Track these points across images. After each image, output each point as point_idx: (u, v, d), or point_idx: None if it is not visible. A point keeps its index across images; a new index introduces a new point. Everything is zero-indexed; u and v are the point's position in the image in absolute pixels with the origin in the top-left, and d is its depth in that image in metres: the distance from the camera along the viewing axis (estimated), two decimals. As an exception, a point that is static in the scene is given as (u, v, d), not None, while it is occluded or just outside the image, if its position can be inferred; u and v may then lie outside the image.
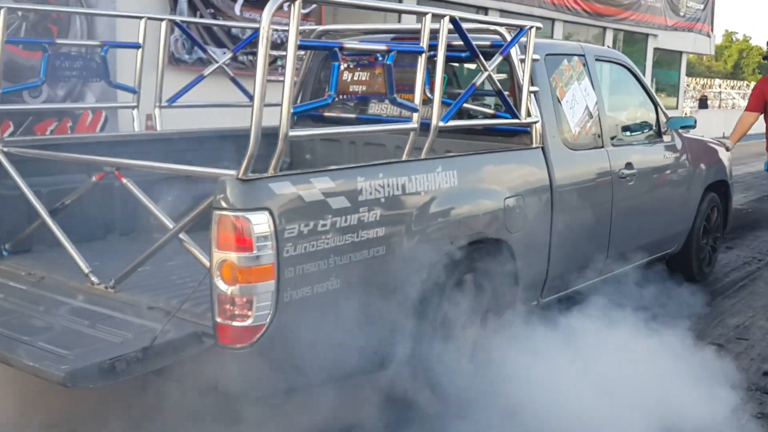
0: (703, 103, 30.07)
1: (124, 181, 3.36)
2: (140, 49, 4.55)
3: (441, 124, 3.60)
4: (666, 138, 5.67)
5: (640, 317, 4.61)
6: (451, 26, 3.53)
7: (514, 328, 3.89)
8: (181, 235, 3.12)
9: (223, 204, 2.81)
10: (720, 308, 5.77)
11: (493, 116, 4.40)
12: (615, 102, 5.38)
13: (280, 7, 2.82)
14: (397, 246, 3.35)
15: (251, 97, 3.09)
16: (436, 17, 3.45)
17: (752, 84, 44.50)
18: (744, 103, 37.94)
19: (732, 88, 40.38)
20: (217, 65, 4.90)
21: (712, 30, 25.26)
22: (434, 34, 3.46)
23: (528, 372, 3.49)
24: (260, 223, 2.81)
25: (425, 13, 3.41)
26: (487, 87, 4.19)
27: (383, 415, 3.37)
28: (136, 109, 4.64)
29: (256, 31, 3.01)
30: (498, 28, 4.21)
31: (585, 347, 3.76)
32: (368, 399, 3.30)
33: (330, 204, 3.05)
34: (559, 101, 4.58)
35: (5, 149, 3.76)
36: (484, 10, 15.47)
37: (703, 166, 6.11)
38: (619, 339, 3.87)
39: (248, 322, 2.82)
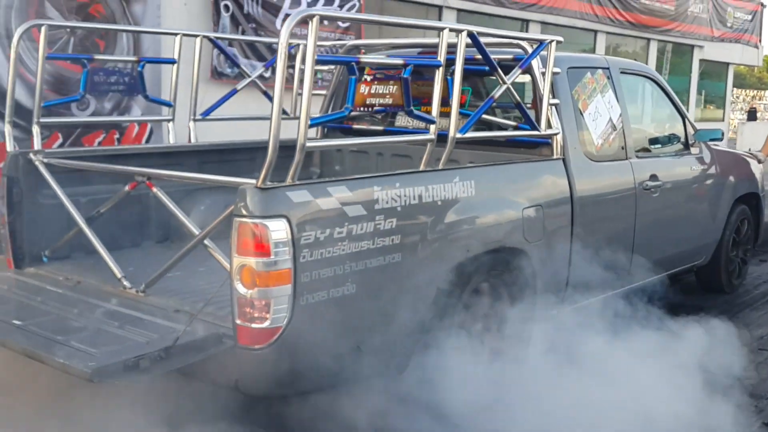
0: (752, 114, 29.57)
1: (155, 190, 3.54)
2: (175, 65, 4.75)
3: (458, 135, 3.71)
4: (694, 150, 5.69)
5: (658, 326, 4.68)
6: (469, 40, 3.65)
7: (531, 336, 3.97)
8: (206, 241, 3.28)
9: (243, 211, 2.96)
10: (746, 319, 5.76)
11: (515, 128, 4.49)
12: (641, 114, 5.42)
13: (304, 22, 2.94)
14: (414, 253, 3.47)
15: (284, 110, 3.22)
16: (454, 31, 3.57)
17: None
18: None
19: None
20: (249, 79, 5.08)
21: (760, 41, 24.87)
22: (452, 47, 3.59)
23: (539, 378, 3.56)
24: (278, 229, 2.96)
25: (443, 28, 3.53)
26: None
27: (399, 419, 3.47)
28: (171, 122, 4.84)
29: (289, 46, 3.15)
30: (520, 41, 4.32)
31: (593, 355, 3.81)
32: (383, 402, 3.40)
33: (346, 212, 3.18)
34: (582, 113, 4.65)
35: (45, 161, 3.97)
36: (526, 22, 15.53)
37: (732, 178, 6.10)
38: (631, 347, 3.92)
39: (266, 324, 2.97)
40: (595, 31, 17.48)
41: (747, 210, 6.44)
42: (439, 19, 13.32)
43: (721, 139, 5.75)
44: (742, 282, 6.64)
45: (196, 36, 4.79)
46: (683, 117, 5.66)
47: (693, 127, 5.70)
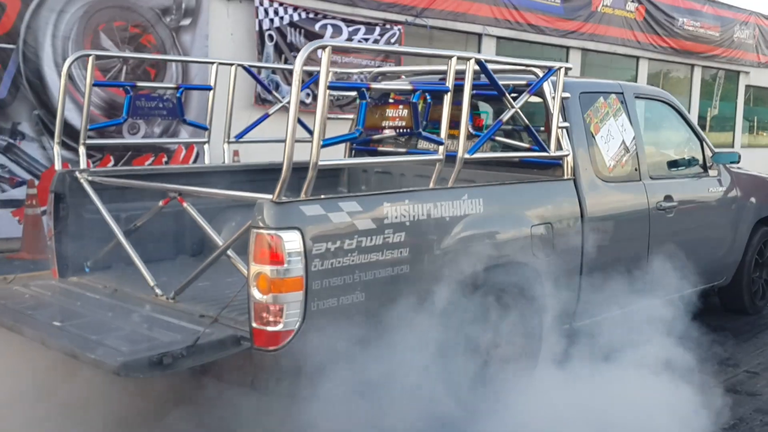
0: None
1: (185, 204, 3.86)
2: (212, 91, 5.10)
3: (466, 156, 3.96)
4: (712, 172, 5.83)
5: (672, 344, 4.81)
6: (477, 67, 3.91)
7: (537, 349, 4.16)
8: (229, 252, 3.58)
9: (260, 223, 3.25)
10: (767, 339, 5.84)
11: (528, 149, 4.72)
12: (657, 137, 5.60)
13: (322, 49, 3.23)
14: (422, 265, 3.71)
15: (311, 132, 3.50)
16: (462, 59, 3.84)
17: None
18: None
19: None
20: (280, 105, 5.40)
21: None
22: (476, 74, 3.86)
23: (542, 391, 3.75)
24: (291, 240, 3.24)
25: (451, 56, 3.80)
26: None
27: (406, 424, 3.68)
28: (207, 144, 5.18)
29: (316, 74, 3.42)
30: (533, 68, 4.55)
31: (599, 372, 3.98)
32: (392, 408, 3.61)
33: (357, 225, 3.45)
34: (593, 136, 4.86)
35: (89, 178, 4.33)
36: (566, 49, 15.72)
37: (754, 200, 6.21)
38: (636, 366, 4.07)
39: (279, 327, 3.24)
40: (638, 57, 17.56)
41: (770, 232, 6.53)
42: (479, 47, 13.61)
43: (737, 162, 5.88)
44: (767, 304, 6.70)
45: (231, 65, 5.13)
46: (701, 140, 5.82)
47: (711, 149, 5.84)
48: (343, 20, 11.00)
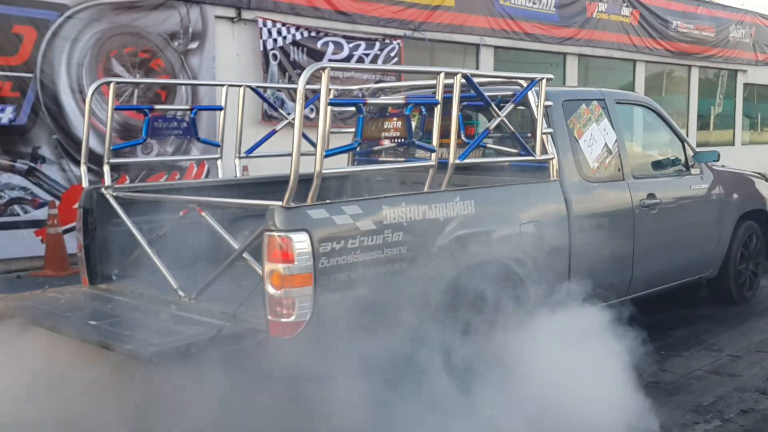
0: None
1: (203, 214, 4.26)
2: (222, 111, 5.52)
3: (457, 161, 4.35)
4: (694, 171, 6.20)
5: (659, 333, 5.17)
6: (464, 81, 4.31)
7: (528, 338, 4.52)
8: (245, 255, 3.98)
9: (272, 227, 3.65)
10: (751, 326, 6.19)
11: (517, 155, 5.10)
12: (639, 140, 5.98)
13: (322, 70, 3.63)
14: (419, 262, 4.10)
15: (314, 145, 3.89)
16: (449, 75, 4.23)
17: None
18: None
19: None
20: (286, 122, 5.80)
21: (807, 63, 24.89)
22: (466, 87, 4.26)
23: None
24: (300, 241, 3.63)
25: (439, 72, 4.19)
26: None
27: (403, 407, 4.05)
28: (220, 159, 5.59)
29: (319, 92, 3.79)
30: (518, 80, 4.95)
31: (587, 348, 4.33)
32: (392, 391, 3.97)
33: (358, 227, 3.84)
34: (577, 140, 5.24)
35: (114, 194, 4.74)
36: (563, 55, 16.11)
37: (736, 196, 6.58)
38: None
39: (292, 318, 3.63)
40: (634, 61, 17.94)
41: (755, 226, 6.89)
42: (477, 57, 14.04)
43: (717, 160, 6.25)
44: (755, 294, 7.04)
45: (240, 86, 5.54)
46: (682, 141, 6.20)
47: (692, 149, 6.22)
48: (344, 37, 11.43)
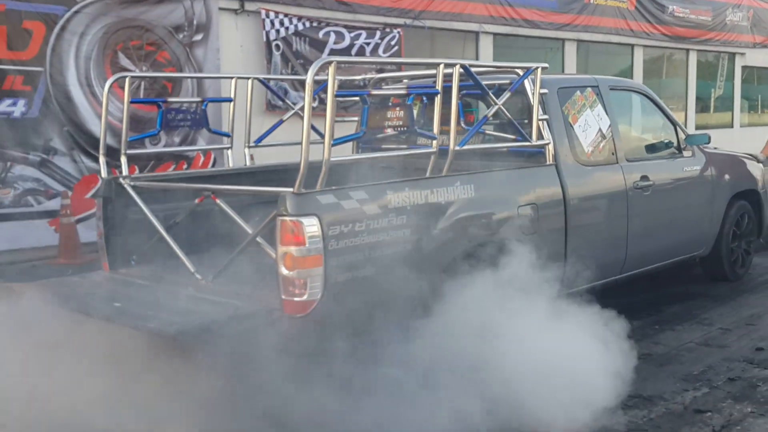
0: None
1: (218, 201, 4.50)
2: (232, 102, 5.75)
3: (457, 148, 4.59)
4: (686, 153, 6.44)
5: (653, 309, 5.41)
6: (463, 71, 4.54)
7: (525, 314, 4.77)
8: (258, 239, 4.22)
9: (284, 212, 3.89)
10: (743, 301, 6.44)
11: (514, 141, 5.33)
12: (633, 124, 6.21)
13: (325, 66, 3.86)
14: (422, 243, 4.35)
15: (321, 135, 4.13)
16: (449, 65, 4.47)
17: None
18: None
19: None
20: (293, 111, 6.04)
21: (805, 44, 25.04)
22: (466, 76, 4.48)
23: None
24: (311, 225, 3.88)
25: (438, 63, 4.43)
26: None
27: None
28: (230, 149, 5.83)
29: (324, 83, 4.02)
30: (515, 69, 5.18)
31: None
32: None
33: (365, 211, 4.09)
34: (572, 126, 5.47)
35: (132, 183, 4.98)
36: (561, 41, 16.30)
37: (728, 176, 6.82)
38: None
39: (305, 297, 3.88)
40: (632, 45, 18.11)
41: (747, 205, 7.13)
42: (476, 45, 14.24)
43: (708, 143, 6.49)
44: (747, 271, 7.29)
45: (248, 78, 5.78)
46: (674, 125, 6.43)
47: (684, 133, 6.45)
48: (345, 27, 11.64)
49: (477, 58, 14.31)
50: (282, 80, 10.80)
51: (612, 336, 4.50)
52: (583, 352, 4.33)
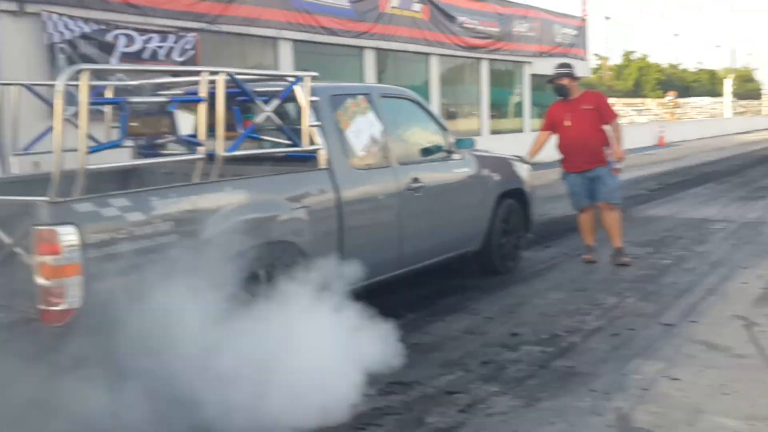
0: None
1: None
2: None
3: (225, 153, 4.69)
4: (456, 156, 6.91)
5: (432, 301, 5.75)
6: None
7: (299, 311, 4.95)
8: (15, 249, 4.11)
9: (39, 221, 3.83)
10: (510, 292, 7.00)
11: (290, 146, 5.51)
12: (404, 130, 6.58)
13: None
14: (192, 247, 4.40)
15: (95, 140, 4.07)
16: (214, 73, 4.57)
17: (648, 101, 47.48)
18: (640, 119, 40.16)
19: (629, 105, 42.90)
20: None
21: (585, 54, 27.31)
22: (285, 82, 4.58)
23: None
24: (67, 233, 3.84)
25: (201, 71, 4.52)
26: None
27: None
28: (-5, 157, 5.61)
29: (98, 87, 3.97)
30: (286, 77, 5.36)
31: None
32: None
33: (126, 217, 4.10)
34: (344, 132, 5.73)
35: None
36: (360, 49, 16.79)
37: (495, 177, 7.38)
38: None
39: (63, 306, 3.84)
40: (428, 54, 18.99)
41: (515, 203, 7.73)
42: (275, 51, 14.39)
43: (473, 147, 7.01)
44: (517, 264, 7.90)
45: (11, 84, 5.59)
46: (444, 129, 6.88)
47: (453, 137, 6.92)
48: (136, 30, 11.39)
49: (276, 64, 14.46)
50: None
51: (379, 329, 4.78)
52: (347, 346, 4.57)
